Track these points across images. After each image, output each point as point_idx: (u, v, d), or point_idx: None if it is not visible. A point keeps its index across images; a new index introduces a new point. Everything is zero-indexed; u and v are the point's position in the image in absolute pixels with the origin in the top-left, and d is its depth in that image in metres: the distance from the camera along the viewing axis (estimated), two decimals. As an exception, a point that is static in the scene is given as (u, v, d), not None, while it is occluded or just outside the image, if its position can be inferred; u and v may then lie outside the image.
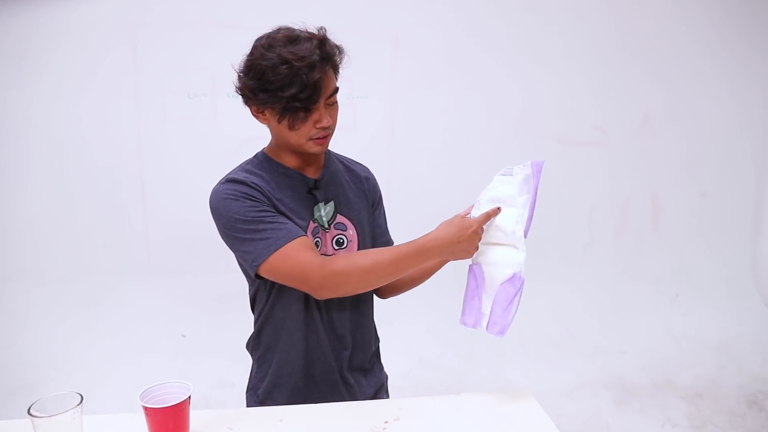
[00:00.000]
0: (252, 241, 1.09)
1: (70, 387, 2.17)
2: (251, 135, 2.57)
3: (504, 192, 1.15)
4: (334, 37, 1.12)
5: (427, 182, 2.80)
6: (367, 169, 1.35)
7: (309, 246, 1.10)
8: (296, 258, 1.07)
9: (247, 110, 1.14)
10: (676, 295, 3.07)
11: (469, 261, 1.18)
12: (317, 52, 1.06)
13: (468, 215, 1.16)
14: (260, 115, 1.13)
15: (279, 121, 1.10)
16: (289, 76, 1.05)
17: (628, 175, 3.02)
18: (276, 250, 1.07)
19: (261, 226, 1.09)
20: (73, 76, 2.57)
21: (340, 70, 1.14)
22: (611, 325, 2.94)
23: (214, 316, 2.68)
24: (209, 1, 2.59)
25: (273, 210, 1.12)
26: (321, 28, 1.12)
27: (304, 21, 1.12)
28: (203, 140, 2.65)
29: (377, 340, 1.35)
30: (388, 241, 1.34)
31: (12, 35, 2.51)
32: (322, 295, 1.10)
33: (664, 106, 2.98)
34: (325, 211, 1.19)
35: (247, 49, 1.10)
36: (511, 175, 1.16)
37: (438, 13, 2.74)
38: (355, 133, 2.70)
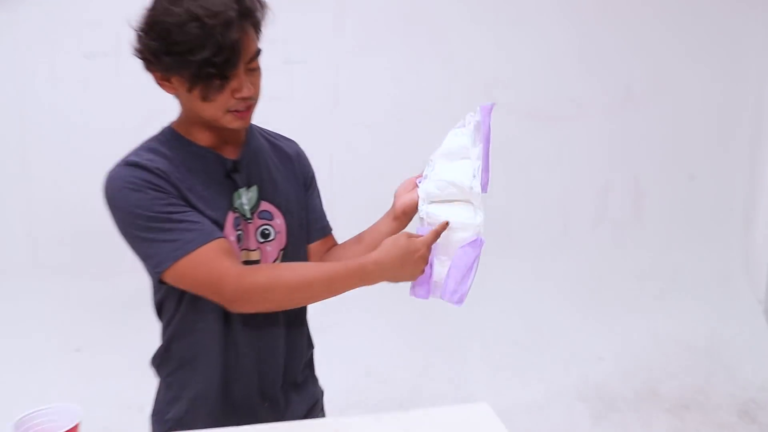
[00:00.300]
0: (156, 243, 1.07)
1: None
2: (164, 106, 2.55)
3: (456, 143, 1.18)
4: None
5: (374, 162, 2.79)
6: (296, 145, 1.35)
7: (226, 250, 1.09)
8: (209, 265, 1.06)
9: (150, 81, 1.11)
10: (661, 293, 3.14)
11: (416, 221, 1.20)
12: (234, 6, 1.04)
13: (419, 180, 1.20)
14: (165, 83, 1.10)
15: (189, 91, 1.08)
16: (201, 36, 1.02)
17: (607, 155, 3.09)
18: (185, 254, 1.06)
19: (168, 225, 1.07)
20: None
21: (263, 29, 1.12)
22: (588, 328, 2.99)
23: (115, 325, 2.63)
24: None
25: (182, 203, 1.10)
26: None
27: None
28: (103, 111, 2.58)
29: (311, 346, 1.35)
30: (324, 228, 1.35)
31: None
32: (236, 309, 1.11)
33: (649, 77, 3.05)
34: (247, 197, 1.18)
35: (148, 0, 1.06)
36: (464, 126, 1.19)
37: None
38: (290, 104, 2.69)
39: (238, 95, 1.09)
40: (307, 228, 1.30)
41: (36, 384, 2.44)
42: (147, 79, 1.18)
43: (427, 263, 1.15)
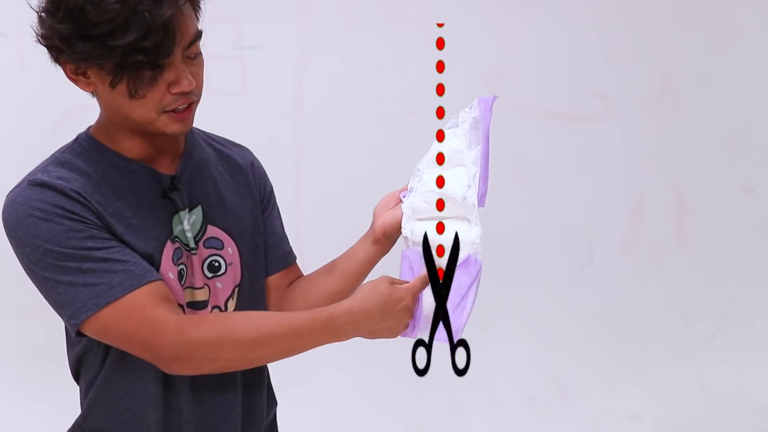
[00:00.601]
0: (72, 287, 1.06)
1: None
2: (81, 102, 2.52)
3: (449, 148, 1.18)
4: None
5: (352, 173, 2.78)
6: (250, 153, 1.37)
7: (161, 296, 1.09)
8: (140, 315, 1.06)
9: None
10: (712, 336, 3.09)
11: (401, 243, 1.22)
12: None
13: (403, 194, 1.24)
14: (80, 78, 1.09)
15: (113, 86, 1.06)
16: (124, 14, 1.00)
17: (641, 163, 3.08)
18: (108, 303, 1.05)
19: (86, 265, 1.06)
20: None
21: (203, 4, 1.14)
22: (620, 381, 2.97)
23: (25, 380, 2.60)
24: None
25: (106, 234, 1.10)
26: None
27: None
28: (2, 109, 2.58)
29: (273, 403, 1.38)
30: (287, 256, 1.36)
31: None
32: (174, 370, 1.11)
33: (692, 67, 3.05)
34: (189, 222, 1.18)
35: None
36: (457, 126, 1.21)
37: None
38: (244, 100, 2.72)
39: (175, 90, 1.08)
40: (264, 256, 1.31)
41: None
42: (57, 71, 1.14)
43: (411, 316, 1.15)
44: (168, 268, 1.17)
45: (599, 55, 3.00)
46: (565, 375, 2.99)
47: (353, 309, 1.11)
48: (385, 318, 1.11)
